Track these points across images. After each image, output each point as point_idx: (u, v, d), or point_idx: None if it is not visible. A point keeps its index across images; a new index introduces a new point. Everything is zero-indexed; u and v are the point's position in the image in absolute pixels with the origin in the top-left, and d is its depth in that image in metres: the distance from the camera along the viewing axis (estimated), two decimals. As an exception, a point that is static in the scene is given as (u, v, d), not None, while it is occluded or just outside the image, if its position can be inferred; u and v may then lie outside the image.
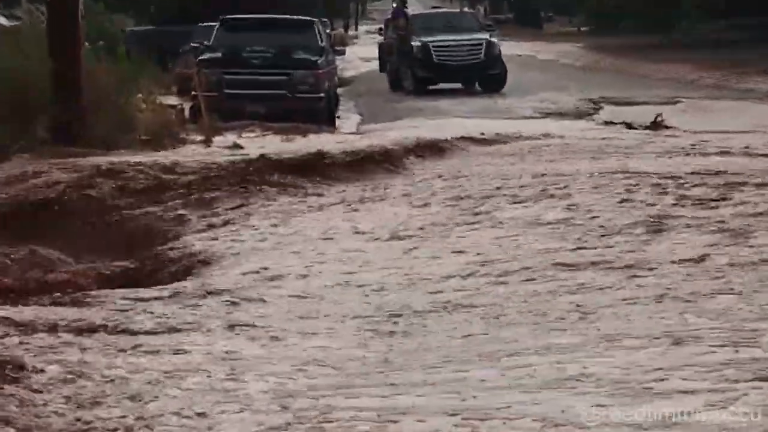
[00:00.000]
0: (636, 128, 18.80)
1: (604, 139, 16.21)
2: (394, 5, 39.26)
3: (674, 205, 9.62)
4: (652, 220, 8.93)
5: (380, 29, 47.98)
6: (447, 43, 29.76)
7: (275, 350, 5.77)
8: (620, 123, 19.83)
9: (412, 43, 29.97)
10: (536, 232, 8.83)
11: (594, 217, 9.23)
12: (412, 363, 5.44)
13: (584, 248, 8.07)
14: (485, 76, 29.66)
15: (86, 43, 17.90)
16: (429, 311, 6.58)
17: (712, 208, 9.43)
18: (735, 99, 27.52)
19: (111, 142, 14.57)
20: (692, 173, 11.25)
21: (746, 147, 14.29)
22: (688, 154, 13.68)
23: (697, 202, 9.71)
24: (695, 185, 10.48)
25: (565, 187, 10.66)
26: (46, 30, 15.58)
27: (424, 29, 30.82)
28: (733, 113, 22.76)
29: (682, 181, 10.73)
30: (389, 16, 37.55)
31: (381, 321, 6.41)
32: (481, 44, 29.67)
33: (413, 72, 29.75)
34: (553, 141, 15.91)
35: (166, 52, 29.86)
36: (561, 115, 22.83)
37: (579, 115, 22.98)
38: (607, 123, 20.50)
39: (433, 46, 29.54)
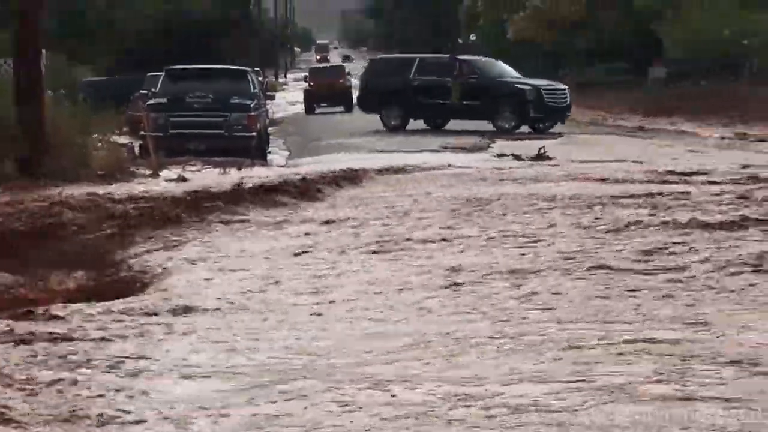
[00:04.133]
0: (523, 159, 19.16)
1: (495, 168, 16.54)
2: (317, 58, 39.33)
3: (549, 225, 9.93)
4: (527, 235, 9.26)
5: (305, 77, 48.22)
6: None
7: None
8: (510, 155, 20.17)
9: None
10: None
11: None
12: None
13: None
14: None
15: (49, 91, 17.95)
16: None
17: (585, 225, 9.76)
18: (607, 134, 28.13)
19: (71, 176, 14.60)
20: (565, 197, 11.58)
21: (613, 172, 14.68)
22: (561, 180, 14.04)
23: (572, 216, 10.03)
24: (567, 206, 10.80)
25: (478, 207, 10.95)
26: (13, 79, 15.70)
27: None
28: (604, 145, 23.30)
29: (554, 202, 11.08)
30: (314, 66, 37.44)
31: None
32: None
33: None
34: (454, 170, 16.22)
35: (119, 99, 29.87)
36: (461, 149, 23.10)
37: (476, 149, 23.28)
38: (499, 155, 20.82)
39: None
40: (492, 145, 23.90)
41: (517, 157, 19.46)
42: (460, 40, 77.49)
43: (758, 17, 51.35)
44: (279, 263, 8.70)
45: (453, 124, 29.57)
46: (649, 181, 14.04)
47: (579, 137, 26.43)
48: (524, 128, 28.39)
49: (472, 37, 72.92)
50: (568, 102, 29.99)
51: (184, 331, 6.41)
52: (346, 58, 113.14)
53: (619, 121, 33.45)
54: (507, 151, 21.20)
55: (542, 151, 19.54)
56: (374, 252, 8.99)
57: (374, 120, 31.80)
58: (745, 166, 17.45)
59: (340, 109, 43.27)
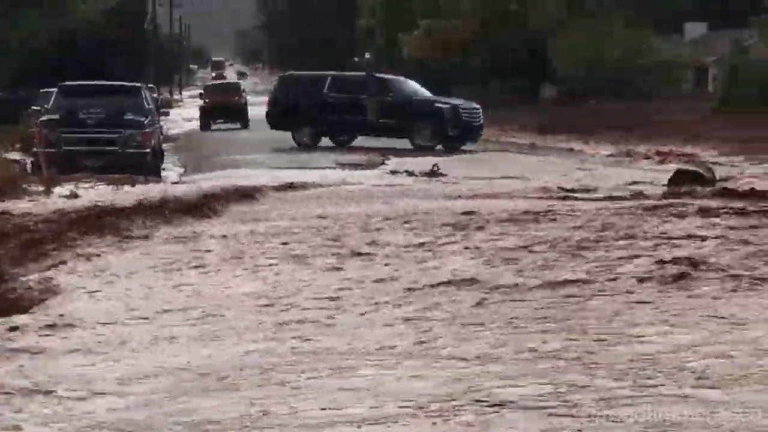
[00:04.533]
0: (417, 175, 19.37)
1: (389, 185, 16.70)
2: (213, 75, 39.12)
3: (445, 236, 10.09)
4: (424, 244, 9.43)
5: (200, 94, 47.99)
6: None
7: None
8: (404, 172, 20.35)
9: None
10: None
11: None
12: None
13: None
14: None
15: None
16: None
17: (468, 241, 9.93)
18: (499, 150, 28.57)
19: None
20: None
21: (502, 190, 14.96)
22: (452, 197, 14.26)
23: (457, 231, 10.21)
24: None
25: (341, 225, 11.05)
26: None
27: None
28: (495, 162, 23.66)
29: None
30: (209, 83, 37.18)
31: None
32: None
33: None
34: (348, 187, 16.33)
35: (11, 115, 29.44)
36: (356, 166, 23.22)
37: (370, 165, 23.42)
38: (393, 172, 20.97)
39: None
40: (386, 161, 24.06)
41: (411, 174, 19.65)
42: (355, 58, 77.89)
43: (649, 38, 52.65)
44: (155, 282, 8.69)
45: (363, 141, 29.50)
46: (538, 198, 14.33)
47: (473, 155, 26.78)
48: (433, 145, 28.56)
49: (367, 55, 73.35)
50: (481, 121, 30.37)
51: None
52: (242, 75, 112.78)
53: (512, 138, 34.01)
54: (401, 167, 21.38)
55: (435, 168, 19.79)
56: (248, 269, 9.05)
57: (271, 137, 31.79)
58: (631, 183, 17.93)
59: (237, 125, 43.15)
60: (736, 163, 26.11)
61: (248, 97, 48.56)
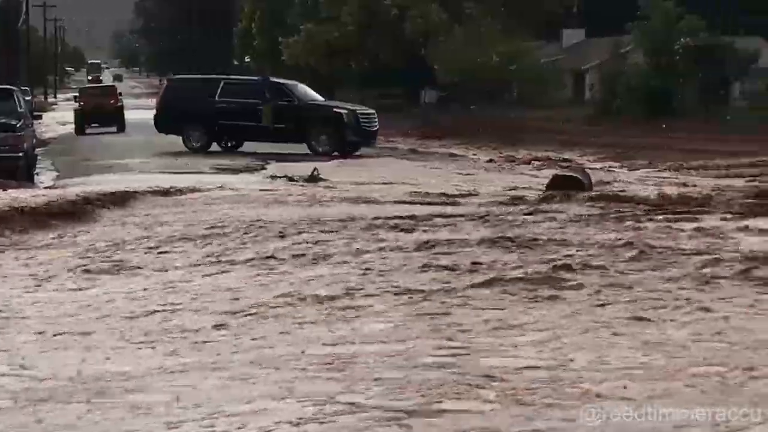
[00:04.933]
0: (296, 181, 19.26)
1: (266, 190, 16.58)
2: (89, 78, 38.39)
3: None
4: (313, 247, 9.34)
5: (75, 97, 47.11)
6: None
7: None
8: (283, 177, 20.22)
9: None
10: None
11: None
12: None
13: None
14: None
15: None
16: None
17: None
18: (381, 156, 28.63)
19: None
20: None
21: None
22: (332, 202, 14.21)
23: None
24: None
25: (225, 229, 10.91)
26: None
27: None
28: (376, 167, 23.69)
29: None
30: (84, 86, 36.38)
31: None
32: None
33: None
34: (226, 193, 16.16)
35: None
36: (234, 171, 23.00)
37: (249, 170, 23.22)
38: (272, 177, 20.82)
39: None
40: (266, 166, 23.90)
41: (291, 179, 19.54)
42: (235, 62, 77.43)
43: (527, 45, 53.41)
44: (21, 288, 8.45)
45: (257, 147, 29.12)
46: (417, 203, 14.37)
47: (354, 160, 26.77)
48: (300, 149, 28.40)
49: (247, 59, 72.97)
50: (377, 126, 30.31)
51: None
52: (118, 78, 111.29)
53: (393, 143, 34.11)
54: (280, 172, 21.23)
55: (315, 172, 19.70)
56: (110, 273, 8.86)
57: (147, 141, 31.34)
58: (510, 188, 18.13)
59: (113, 129, 42.46)
60: (613, 169, 26.64)
61: (125, 101, 47.85)
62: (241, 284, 8.07)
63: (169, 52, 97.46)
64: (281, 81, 31.90)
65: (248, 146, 29.76)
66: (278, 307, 7.15)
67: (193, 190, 16.01)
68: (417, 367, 5.32)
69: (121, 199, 14.09)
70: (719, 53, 46.62)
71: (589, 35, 63.42)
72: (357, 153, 28.78)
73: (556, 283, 7.67)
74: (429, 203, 14.33)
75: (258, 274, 8.47)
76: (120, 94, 47.23)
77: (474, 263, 8.53)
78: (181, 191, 15.64)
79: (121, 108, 44.38)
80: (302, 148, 28.19)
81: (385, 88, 54.13)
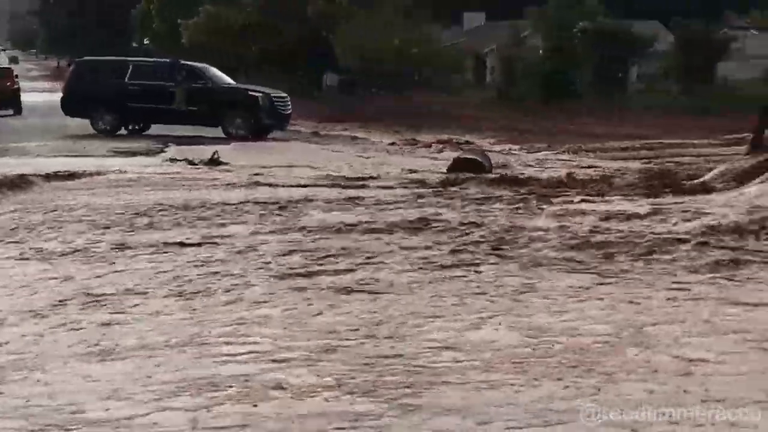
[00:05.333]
0: (196, 164, 19.12)
1: (165, 173, 16.46)
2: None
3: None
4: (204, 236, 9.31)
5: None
6: None
7: None
8: (183, 160, 20.02)
9: None
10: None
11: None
12: None
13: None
14: None
15: None
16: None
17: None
18: (283, 139, 28.54)
19: None
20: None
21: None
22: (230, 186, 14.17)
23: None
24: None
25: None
26: None
27: None
28: (278, 151, 23.63)
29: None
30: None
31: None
32: None
33: None
34: (126, 176, 16.02)
35: None
36: (133, 154, 22.70)
37: (148, 153, 22.95)
38: (172, 160, 20.59)
39: None
40: (165, 149, 23.65)
41: (191, 162, 19.38)
42: (134, 44, 76.43)
43: (428, 29, 53.64)
44: None
45: (166, 129, 28.65)
46: (317, 185, 14.41)
47: (255, 143, 26.63)
48: (206, 133, 28.15)
49: (146, 41, 72.09)
50: (290, 109, 30.20)
51: None
52: (13, 60, 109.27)
53: (295, 127, 33.96)
54: (180, 155, 21.03)
55: (216, 156, 19.57)
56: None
57: (46, 124, 30.76)
58: (411, 171, 18.23)
59: (9, 112, 41.60)
60: (513, 152, 26.94)
61: (21, 83, 46.94)
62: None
63: (67, 33, 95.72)
64: (193, 64, 31.53)
65: (155, 129, 29.40)
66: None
67: (89, 173, 15.82)
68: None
69: (18, 185, 13.88)
70: (617, 37, 47.34)
71: (490, 19, 63.91)
72: (269, 136, 28.73)
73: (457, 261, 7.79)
74: (329, 186, 14.36)
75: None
76: (16, 76, 46.28)
77: (343, 248, 8.59)
78: (75, 175, 15.44)
79: (18, 90, 43.48)
80: (215, 132, 27.98)
81: (286, 72, 53.86)
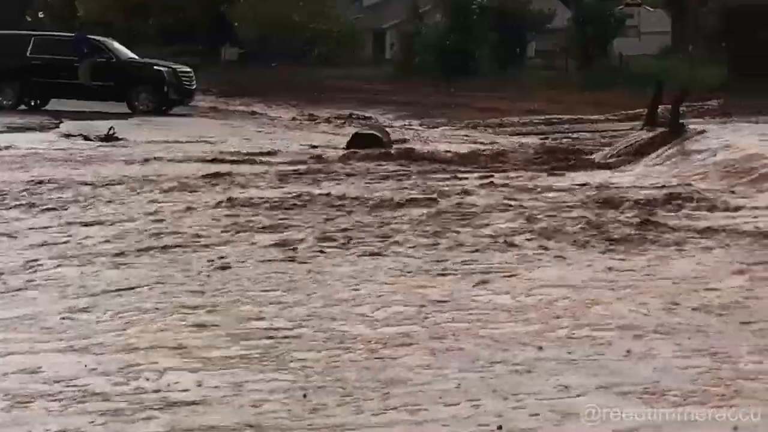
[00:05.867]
0: (91, 140, 18.86)
1: (59, 149, 16.25)
2: None
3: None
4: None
5: None
6: None
7: None
8: (78, 135, 19.75)
9: None
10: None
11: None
12: None
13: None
14: None
15: None
16: None
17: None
18: (180, 115, 28.27)
19: None
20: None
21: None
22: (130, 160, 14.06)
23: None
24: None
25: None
26: None
27: None
28: (175, 126, 23.42)
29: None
30: None
31: None
32: None
33: None
34: (17, 152, 15.79)
35: None
36: (26, 129, 22.27)
37: (42, 129, 22.54)
38: (66, 135, 20.28)
39: None
40: (60, 124, 23.27)
41: (86, 138, 19.13)
42: (28, 18, 74.88)
43: (323, 3, 53.53)
44: None
45: (69, 104, 28.04)
46: (220, 161, 14.36)
47: (151, 118, 26.34)
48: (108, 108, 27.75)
49: (40, 14, 70.72)
50: (195, 84, 29.99)
51: None
52: None
53: (193, 101, 33.62)
54: (75, 130, 20.73)
55: (112, 131, 19.34)
56: None
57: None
58: (312, 146, 18.25)
59: None
60: (412, 127, 27.07)
61: None
62: None
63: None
64: (99, 38, 30.99)
65: (54, 104, 28.83)
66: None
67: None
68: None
69: None
70: (515, 14, 47.75)
71: (390, -6, 63.98)
72: (170, 112, 28.48)
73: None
74: (228, 161, 14.32)
75: None
76: None
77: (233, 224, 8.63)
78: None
79: None
80: (120, 107, 27.63)
81: (184, 45, 53.26)
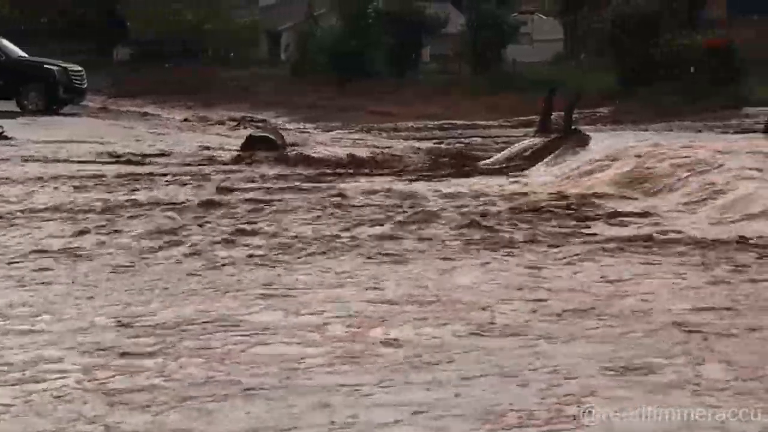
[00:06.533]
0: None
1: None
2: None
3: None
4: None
5: None
6: None
7: None
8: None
9: None
10: None
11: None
12: None
13: None
14: None
15: None
16: None
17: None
18: (73, 114, 27.87)
19: None
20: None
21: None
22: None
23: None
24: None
25: None
26: None
27: None
28: (66, 126, 23.09)
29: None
30: None
31: None
32: None
33: None
34: None
35: None
36: None
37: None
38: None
39: None
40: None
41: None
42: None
43: (216, 5, 53.33)
44: None
45: None
46: (105, 162, 14.23)
47: (43, 117, 25.92)
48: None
49: None
50: (86, 84, 29.55)
51: None
52: None
53: (83, 102, 33.14)
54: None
55: (0, 131, 19.01)
56: None
57: None
58: (204, 148, 18.17)
59: None
60: (307, 130, 27.12)
61: None
62: None
63: None
64: None
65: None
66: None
67: None
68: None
69: None
70: (410, 18, 48.02)
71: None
72: (60, 112, 28.04)
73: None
74: (117, 163, 14.20)
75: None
76: None
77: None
78: None
79: None
80: (10, 105, 27.09)
81: (76, 44, 52.48)
